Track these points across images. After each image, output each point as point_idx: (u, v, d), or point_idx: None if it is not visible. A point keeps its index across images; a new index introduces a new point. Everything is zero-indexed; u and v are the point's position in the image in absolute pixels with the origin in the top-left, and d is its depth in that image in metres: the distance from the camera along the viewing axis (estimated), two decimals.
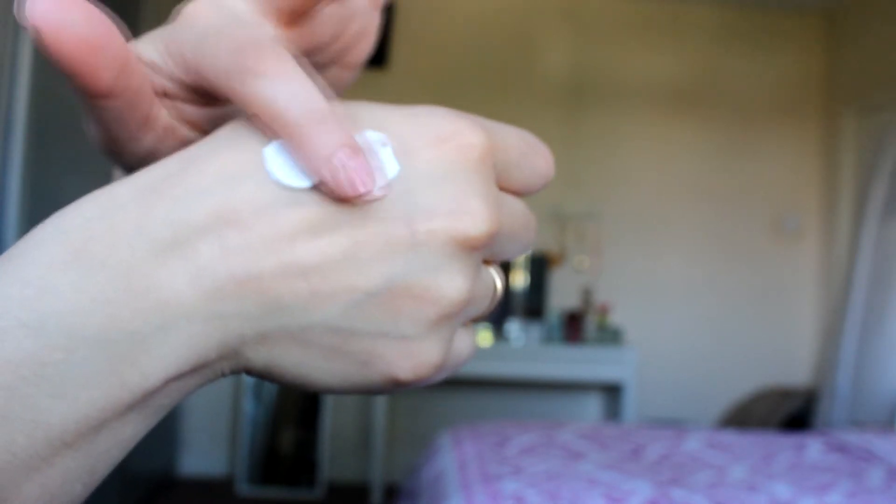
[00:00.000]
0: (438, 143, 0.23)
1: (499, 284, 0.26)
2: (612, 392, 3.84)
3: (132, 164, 0.27)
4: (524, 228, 0.26)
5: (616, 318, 3.86)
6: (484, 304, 0.26)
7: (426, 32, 3.88)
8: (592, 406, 3.98)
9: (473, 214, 0.23)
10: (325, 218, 0.22)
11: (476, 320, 0.26)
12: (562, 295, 3.87)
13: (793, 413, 3.60)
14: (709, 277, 4.00)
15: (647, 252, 3.97)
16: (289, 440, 3.60)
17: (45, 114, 2.10)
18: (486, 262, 0.26)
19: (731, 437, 2.30)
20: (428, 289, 0.23)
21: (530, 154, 0.26)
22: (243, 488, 3.50)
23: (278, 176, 0.22)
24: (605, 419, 3.92)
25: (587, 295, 3.83)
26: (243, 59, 0.22)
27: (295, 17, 0.26)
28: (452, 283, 0.23)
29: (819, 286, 4.01)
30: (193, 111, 0.26)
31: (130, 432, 0.21)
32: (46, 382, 0.19)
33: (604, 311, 3.78)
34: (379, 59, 3.67)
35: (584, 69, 4.00)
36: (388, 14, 3.72)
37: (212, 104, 0.26)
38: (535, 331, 3.65)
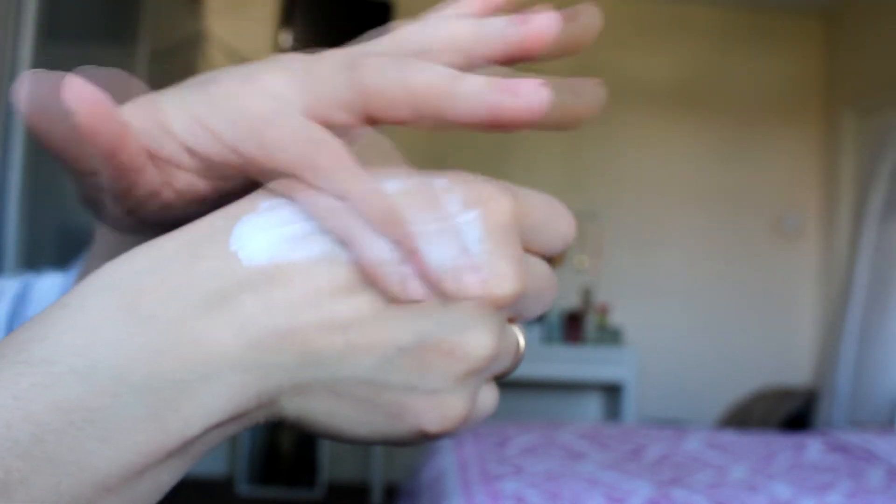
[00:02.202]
0: (467, 206, 0.25)
1: (521, 342, 0.27)
2: (612, 392, 3.84)
3: (110, 222, 0.28)
4: (547, 288, 0.27)
5: (616, 318, 3.86)
6: (507, 361, 0.27)
7: None
8: (592, 406, 3.98)
9: (502, 276, 0.24)
10: (362, 276, 0.23)
11: (499, 376, 0.27)
12: (562, 295, 3.87)
13: (793, 413, 3.60)
14: (709, 277, 4.00)
15: (647, 252, 3.97)
16: (289, 440, 3.60)
17: None
18: (510, 319, 0.27)
19: (731, 437, 2.30)
20: (457, 346, 0.24)
21: (553, 217, 0.27)
22: (243, 488, 3.50)
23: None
24: (605, 419, 3.92)
25: (587, 295, 3.83)
26: (312, 156, 0.24)
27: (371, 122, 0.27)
28: (480, 341, 0.24)
29: (819, 286, 4.01)
30: (191, 180, 0.26)
31: (168, 477, 0.22)
32: (93, 427, 0.20)
33: (604, 311, 3.78)
34: None
35: (583, 69, 3.98)
36: (388, 14, 3.72)
37: (218, 179, 0.27)
38: (536, 331, 3.64)
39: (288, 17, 3.70)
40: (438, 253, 0.24)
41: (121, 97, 0.25)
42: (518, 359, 0.27)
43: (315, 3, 3.72)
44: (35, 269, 0.47)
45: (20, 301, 0.43)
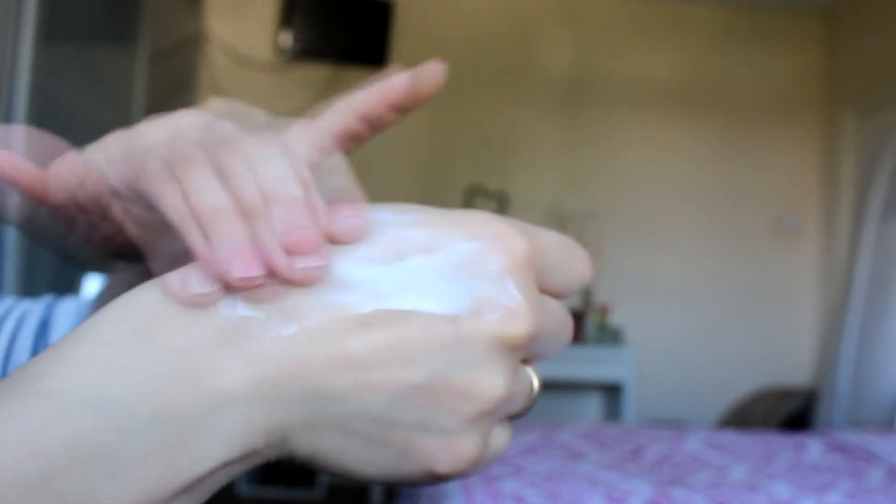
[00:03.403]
0: (483, 246, 0.24)
1: (535, 384, 0.27)
2: (612, 392, 3.84)
3: (82, 259, 0.30)
4: (562, 329, 0.27)
5: (616, 318, 3.86)
6: (521, 402, 0.26)
7: (426, 32, 3.87)
8: (592, 406, 3.98)
9: (516, 315, 0.24)
10: (373, 313, 0.23)
11: (512, 417, 0.27)
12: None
13: (793, 413, 3.60)
14: (709, 277, 4.00)
15: (647, 252, 3.97)
16: None
17: (45, 114, 2.10)
18: (524, 360, 0.26)
19: (731, 437, 2.30)
20: (469, 385, 0.23)
21: (569, 257, 0.28)
22: (243, 488, 3.50)
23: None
24: (605, 419, 3.92)
25: (587, 295, 3.83)
26: (142, 168, 0.25)
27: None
28: (493, 381, 0.24)
29: (819, 286, 4.01)
30: (140, 212, 0.28)
31: None
32: (101, 463, 0.20)
33: (604, 311, 3.78)
34: (378, 59, 3.68)
35: (584, 69, 4.00)
36: (388, 14, 3.72)
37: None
38: None
39: (288, 17, 3.70)
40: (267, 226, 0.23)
41: (44, 154, 0.28)
42: (532, 401, 0.27)
43: (315, 3, 3.72)
44: (35, 278, 0.47)
45: (43, 327, 0.43)
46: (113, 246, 0.29)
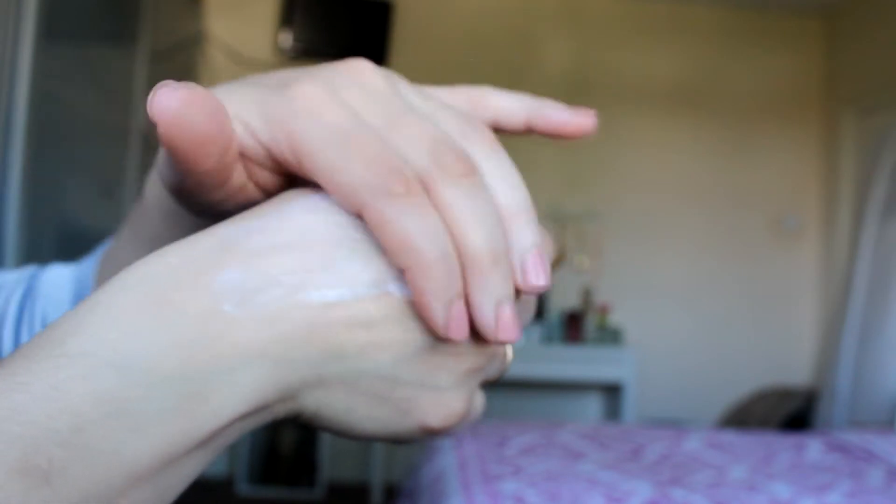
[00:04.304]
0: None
1: (509, 353, 0.30)
2: (612, 392, 3.84)
3: (195, 209, 0.29)
4: (529, 309, 0.30)
5: (616, 318, 3.86)
6: (497, 368, 0.29)
7: (426, 32, 3.88)
8: (592, 406, 3.98)
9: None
10: (385, 275, 0.24)
11: (487, 383, 0.29)
12: (562, 295, 3.87)
13: (793, 413, 3.60)
14: (708, 277, 4.00)
15: (647, 252, 3.97)
16: (289, 440, 3.60)
17: (45, 114, 2.10)
18: None
19: (731, 437, 2.30)
20: (465, 345, 0.26)
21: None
22: (243, 488, 3.50)
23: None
24: (605, 419, 3.92)
25: (587, 295, 3.83)
26: (383, 179, 0.24)
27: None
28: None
29: (819, 286, 4.01)
30: (266, 175, 0.27)
31: (194, 468, 0.23)
32: (127, 417, 0.21)
33: (604, 311, 3.78)
34: (378, 59, 3.68)
35: (584, 69, 3.99)
36: (388, 14, 3.72)
37: (287, 174, 0.27)
38: (536, 331, 3.65)
39: (288, 17, 3.70)
40: (492, 294, 0.24)
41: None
42: (505, 366, 0.29)
43: (315, 3, 3.72)
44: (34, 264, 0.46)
45: (27, 296, 0.43)
46: (227, 206, 0.28)
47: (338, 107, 0.25)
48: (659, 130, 4.01)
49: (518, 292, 0.26)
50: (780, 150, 4.04)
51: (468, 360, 0.26)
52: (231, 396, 0.22)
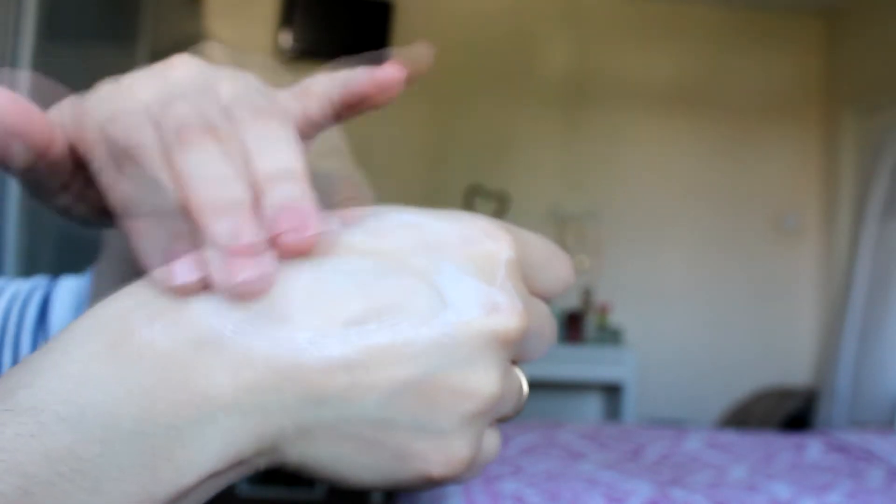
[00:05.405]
0: (471, 243, 0.24)
1: (524, 386, 0.27)
2: (612, 392, 3.84)
3: (55, 211, 0.28)
4: (548, 328, 0.27)
5: (616, 318, 3.86)
6: (511, 404, 0.26)
7: (426, 32, 3.87)
8: (592, 406, 3.98)
9: (507, 310, 0.24)
10: (366, 313, 0.22)
11: (501, 420, 0.26)
12: (562, 295, 3.86)
13: (793, 413, 3.60)
14: (709, 277, 4.00)
15: (647, 252, 3.97)
16: None
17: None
18: (512, 362, 0.26)
19: (731, 437, 2.30)
20: (464, 382, 0.23)
21: (552, 259, 0.27)
22: (243, 488, 3.50)
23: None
24: (605, 419, 3.92)
25: (587, 295, 3.83)
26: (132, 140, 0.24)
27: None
28: (487, 377, 0.23)
29: (819, 286, 4.01)
30: (116, 178, 0.26)
31: None
32: (83, 478, 0.19)
33: (604, 311, 3.78)
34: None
35: (584, 69, 3.99)
36: (388, 14, 3.72)
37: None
38: None
39: (288, 17, 3.70)
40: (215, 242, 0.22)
41: (45, 100, 0.26)
42: (521, 403, 0.27)
43: (315, 3, 3.72)
44: (35, 271, 0.46)
45: (46, 304, 0.42)
46: (104, 206, 0.27)
47: (122, 90, 0.25)
48: (659, 130, 4.01)
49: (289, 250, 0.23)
50: (780, 150, 4.04)
51: (470, 398, 0.23)
52: (199, 452, 0.20)
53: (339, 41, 3.72)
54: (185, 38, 3.42)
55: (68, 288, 0.43)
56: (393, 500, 2.80)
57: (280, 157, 0.24)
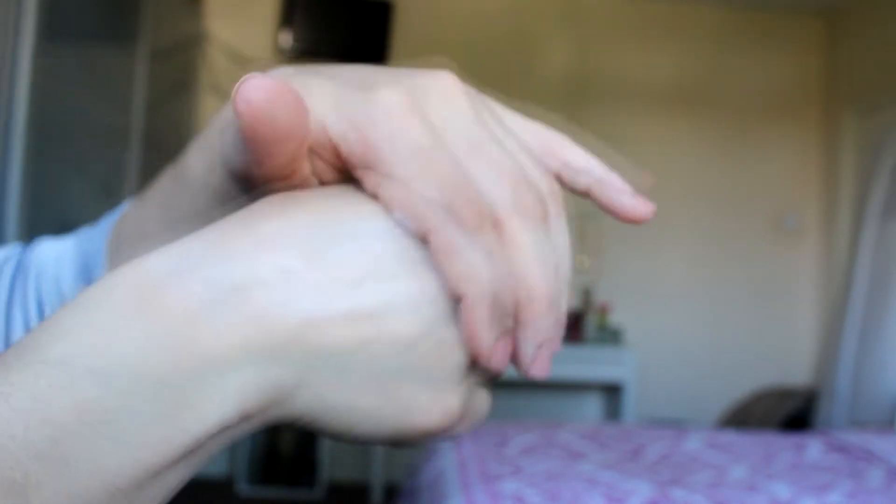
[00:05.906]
0: None
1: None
2: (612, 392, 3.84)
3: (247, 189, 0.28)
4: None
5: (616, 318, 3.86)
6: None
7: (426, 32, 3.88)
8: (592, 406, 3.98)
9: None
10: (374, 271, 0.23)
11: (488, 379, 0.28)
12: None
13: (793, 413, 3.60)
14: (708, 277, 4.00)
15: (647, 252, 3.97)
16: (289, 440, 3.60)
17: (45, 114, 2.10)
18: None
19: (731, 437, 2.30)
20: (458, 335, 0.24)
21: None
22: (243, 488, 3.50)
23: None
24: (605, 419, 3.92)
25: (587, 295, 3.83)
26: (457, 207, 0.24)
27: None
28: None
29: (819, 286, 4.01)
30: (323, 167, 0.26)
31: (176, 480, 0.22)
32: (109, 427, 0.20)
33: (604, 311, 3.78)
34: (378, 59, 3.68)
35: (584, 69, 3.99)
36: (388, 14, 3.72)
37: (342, 171, 0.26)
38: None
39: (288, 17, 3.70)
40: (537, 336, 0.25)
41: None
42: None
43: (315, 3, 3.72)
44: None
45: (18, 274, 0.41)
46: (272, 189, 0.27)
47: (420, 121, 0.24)
48: (659, 130, 4.01)
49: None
50: (780, 150, 4.04)
51: (461, 353, 0.24)
52: (218, 401, 0.21)
53: (339, 41, 3.72)
54: (185, 38, 3.42)
55: (55, 250, 0.42)
56: (393, 499, 2.80)
57: (568, 264, 0.27)
